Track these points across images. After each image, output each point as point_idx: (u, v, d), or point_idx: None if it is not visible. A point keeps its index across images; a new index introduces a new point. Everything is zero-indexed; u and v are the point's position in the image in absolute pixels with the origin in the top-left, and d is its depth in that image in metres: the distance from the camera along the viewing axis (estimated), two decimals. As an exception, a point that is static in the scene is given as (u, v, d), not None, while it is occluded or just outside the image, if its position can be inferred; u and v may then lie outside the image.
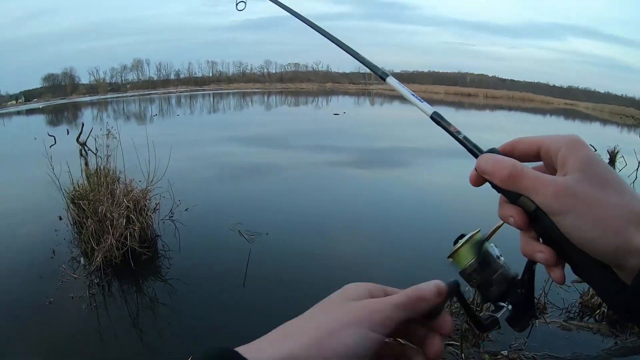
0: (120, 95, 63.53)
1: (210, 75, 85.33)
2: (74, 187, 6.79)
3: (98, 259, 5.27)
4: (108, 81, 75.63)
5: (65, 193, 6.76)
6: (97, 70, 73.21)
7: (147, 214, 5.92)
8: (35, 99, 65.04)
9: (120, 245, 5.45)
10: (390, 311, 0.41)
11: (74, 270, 5.53)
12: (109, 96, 59.39)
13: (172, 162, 6.58)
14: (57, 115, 39.42)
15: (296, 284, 4.79)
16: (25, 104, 61.18)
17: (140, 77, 79.23)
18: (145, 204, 5.97)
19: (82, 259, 5.75)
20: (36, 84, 68.84)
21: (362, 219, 6.91)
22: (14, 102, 64.01)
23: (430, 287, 0.46)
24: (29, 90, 68.95)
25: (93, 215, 5.78)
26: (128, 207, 5.70)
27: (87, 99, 59.53)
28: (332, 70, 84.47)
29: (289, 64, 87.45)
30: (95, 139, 6.80)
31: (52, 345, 4.19)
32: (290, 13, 1.07)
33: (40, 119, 37.88)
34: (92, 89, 71.47)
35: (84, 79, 72.36)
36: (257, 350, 0.37)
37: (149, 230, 5.97)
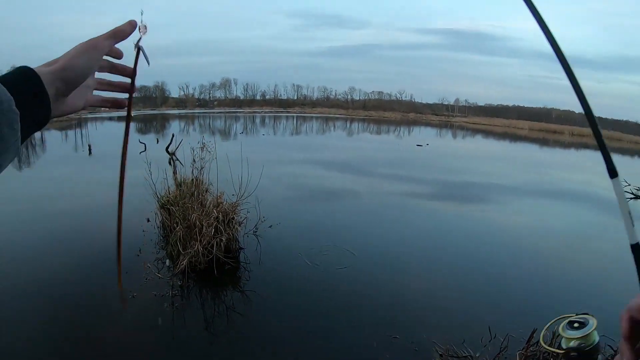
0: (207, 110, 67.75)
1: (295, 98, 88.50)
2: (166, 193, 7.52)
3: (184, 262, 5.84)
4: (197, 96, 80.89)
5: (158, 197, 7.50)
6: (187, 86, 79.03)
7: (234, 227, 6.45)
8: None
9: (206, 253, 5.98)
10: (103, 42, 0.66)
11: (158, 270, 6.16)
12: (196, 111, 63.56)
13: (256, 179, 7.10)
14: (147, 124, 42.72)
15: (361, 311, 4.98)
16: (117, 111, 67.57)
17: (227, 95, 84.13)
18: (233, 217, 6.50)
19: (167, 261, 6.38)
20: (128, 93, 75.91)
21: (434, 255, 7.00)
22: (107, 108, 71.04)
23: (125, 25, 0.69)
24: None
25: (182, 221, 6.37)
26: (217, 218, 6.25)
27: (176, 111, 64.13)
28: (415, 101, 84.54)
29: (373, 91, 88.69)
30: (192, 150, 7.42)
31: (129, 336, 4.71)
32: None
33: (131, 126, 41.22)
34: (180, 102, 76.89)
35: (174, 93, 78.38)
36: (38, 69, 0.61)
37: (234, 242, 6.53)
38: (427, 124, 52.71)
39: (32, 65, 0.60)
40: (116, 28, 0.68)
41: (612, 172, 0.65)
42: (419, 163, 17.77)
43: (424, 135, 34.27)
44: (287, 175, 13.02)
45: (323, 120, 52.97)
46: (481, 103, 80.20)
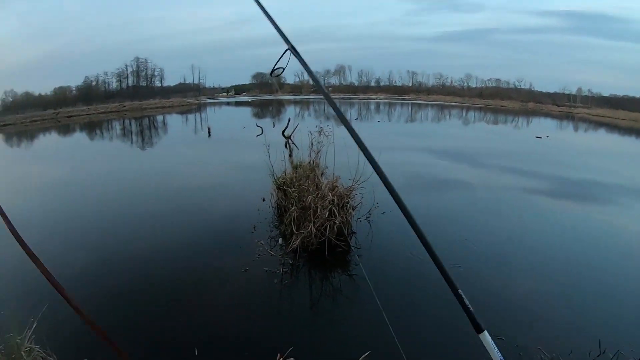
0: (321, 97, 68.73)
1: (410, 85, 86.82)
2: (283, 174, 7.88)
3: (296, 242, 6.11)
4: (311, 83, 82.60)
5: (274, 178, 7.89)
6: (301, 72, 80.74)
7: (348, 211, 6.61)
8: (244, 93, 75.46)
9: (319, 234, 6.19)
10: None
11: (271, 247, 6.50)
12: (311, 97, 64.82)
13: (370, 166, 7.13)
14: (263, 109, 44.76)
15: (461, 312, 4.82)
16: (234, 97, 72.12)
17: (342, 82, 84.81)
18: (347, 201, 6.66)
19: (280, 239, 6.73)
20: (246, 80, 79.77)
21: (545, 256, 6.45)
22: (225, 94, 75.67)
23: None
24: (239, 85, 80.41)
25: (297, 203, 6.65)
26: (332, 201, 6.42)
27: (291, 97, 66.09)
28: (535, 89, 78.34)
29: (490, 79, 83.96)
30: (310, 134, 7.66)
31: (237, 307, 5.06)
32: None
33: (247, 111, 43.67)
34: (295, 88, 78.86)
35: (290, 80, 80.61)
36: None
37: (347, 226, 6.67)
38: (547, 114, 48.83)
39: None
40: None
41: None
42: (537, 156, 16.63)
43: (544, 126, 31.89)
44: (401, 163, 12.92)
45: (438, 108, 51.58)
46: (605, 93, 72.13)
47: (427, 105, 56.56)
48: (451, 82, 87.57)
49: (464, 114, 43.52)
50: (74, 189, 12.21)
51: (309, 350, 4.05)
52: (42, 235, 7.55)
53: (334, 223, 6.27)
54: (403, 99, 68.47)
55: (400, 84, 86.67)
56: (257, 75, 79.21)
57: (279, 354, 3.72)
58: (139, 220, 8.50)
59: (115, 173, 14.52)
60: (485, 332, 1.69)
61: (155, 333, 4.68)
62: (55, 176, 14.90)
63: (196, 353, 4.13)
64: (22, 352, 3.24)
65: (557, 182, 11.61)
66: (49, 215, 9.36)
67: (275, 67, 2.58)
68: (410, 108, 49.54)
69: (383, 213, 7.43)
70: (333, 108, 2.40)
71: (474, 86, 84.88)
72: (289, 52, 2.54)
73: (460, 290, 1.73)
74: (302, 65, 2.49)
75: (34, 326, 3.60)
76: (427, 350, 4.10)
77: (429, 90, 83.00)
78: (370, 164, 2.14)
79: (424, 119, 35.33)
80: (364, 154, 2.13)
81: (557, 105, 67.96)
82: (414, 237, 5.86)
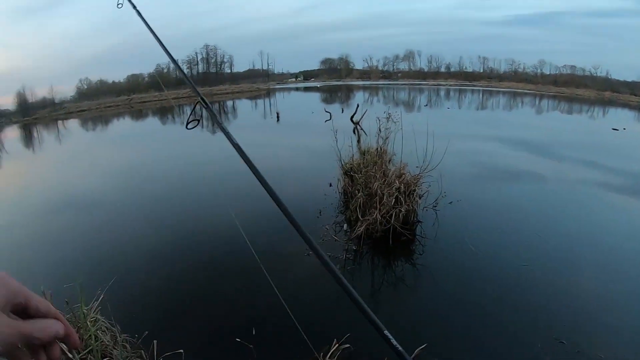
0: (391, 82, 68.28)
1: (481, 71, 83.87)
2: (350, 160, 7.83)
3: (361, 228, 6.06)
4: (380, 69, 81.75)
5: (341, 164, 7.86)
6: (370, 58, 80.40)
7: (414, 199, 6.47)
8: (313, 79, 75.96)
9: (384, 222, 6.11)
10: (14, 336, 0.55)
11: (335, 232, 6.49)
12: (380, 82, 64.38)
13: (440, 153, 6.94)
14: (332, 94, 44.82)
15: (528, 307, 4.54)
16: (303, 82, 72.85)
17: (411, 67, 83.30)
18: (414, 189, 6.52)
19: (345, 225, 6.71)
20: (315, 66, 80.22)
21: (619, 259, 5.88)
22: (294, 79, 76.56)
23: (50, 330, 0.59)
24: (307, 70, 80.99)
25: (364, 189, 6.59)
26: (398, 188, 6.32)
27: (360, 82, 65.84)
28: (612, 77, 72.83)
29: (564, 65, 79.13)
30: (378, 120, 7.54)
31: (298, 291, 5.10)
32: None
33: (316, 96, 43.87)
34: (365, 74, 78.50)
35: (358, 65, 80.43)
36: None
37: (412, 215, 6.55)
38: (625, 105, 45.08)
39: None
40: (35, 330, 0.58)
41: None
42: (613, 150, 15.42)
43: (621, 117, 29.50)
44: (471, 152, 12.48)
45: (510, 95, 49.38)
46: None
47: (498, 92, 54.33)
48: (524, 68, 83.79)
49: (537, 102, 41.44)
50: (147, 170, 12.84)
51: (365, 338, 3.98)
52: (114, 213, 8.06)
53: (400, 211, 6.17)
54: (474, 86, 66.20)
55: (470, 70, 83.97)
56: (326, 61, 79.36)
57: (335, 340, 3.71)
58: (207, 201, 8.80)
59: (187, 156, 15.07)
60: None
61: (218, 310, 4.84)
62: (129, 158, 15.69)
63: (254, 333, 4.22)
64: (88, 322, 3.41)
65: (633, 179, 10.78)
66: (122, 194, 9.91)
67: (190, 120, 2.50)
68: (481, 95, 47.79)
69: (450, 203, 7.25)
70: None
71: (548, 73, 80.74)
72: (199, 105, 2.52)
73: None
74: (212, 116, 2.44)
75: (100, 298, 3.80)
76: (483, 352, 3.93)
77: (500, 77, 79.81)
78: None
79: (495, 107, 33.92)
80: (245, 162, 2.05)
81: (636, 95, 63.05)
82: (481, 230, 5.64)
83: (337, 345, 3.67)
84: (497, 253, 5.81)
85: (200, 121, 2.44)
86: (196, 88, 2.62)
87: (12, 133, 36.11)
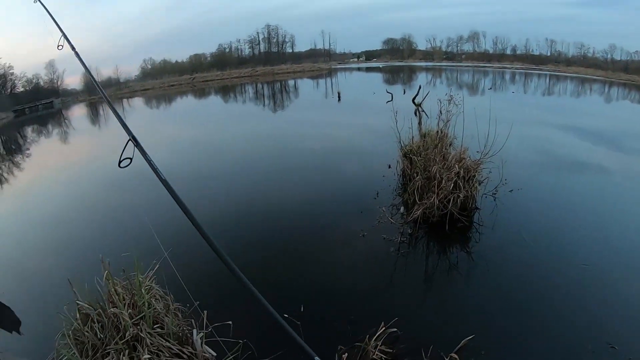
0: (454, 64, 66.38)
1: (548, 54, 79.70)
2: (410, 142, 7.77)
3: (418, 212, 6.02)
4: (444, 49, 79.39)
5: (401, 145, 7.80)
6: (433, 39, 77.91)
7: (473, 185, 6.32)
8: (375, 59, 75.10)
9: (441, 207, 6.04)
10: None
11: (391, 215, 6.50)
12: (443, 64, 62.86)
13: (503, 139, 6.68)
14: (394, 75, 44.15)
15: (583, 309, 4.26)
16: (365, 62, 72.24)
17: (475, 49, 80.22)
18: (474, 175, 6.37)
19: (401, 208, 6.69)
20: (377, 46, 79.02)
21: None
22: (355, 59, 76.00)
23: None
24: (370, 50, 79.99)
25: (422, 172, 6.54)
26: (458, 173, 6.20)
27: (423, 64, 64.53)
28: None
29: (636, 51, 73.36)
30: (439, 102, 7.38)
31: (351, 271, 5.17)
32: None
33: (378, 77, 43.40)
34: (427, 55, 76.68)
35: (421, 46, 78.25)
36: None
37: (471, 201, 6.36)
38: None
39: None
40: None
41: None
42: None
43: None
44: (535, 139, 11.88)
45: (578, 81, 46.64)
46: None
47: (565, 77, 51.52)
48: (593, 52, 78.90)
49: (607, 89, 39.03)
50: (211, 147, 13.24)
51: (413, 323, 3.98)
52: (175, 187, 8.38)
53: (458, 196, 6.04)
54: (540, 70, 63.12)
55: (537, 53, 79.87)
56: (388, 41, 77.82)
57: (382, 322, 3.74)
58: (268, 178, 9.04)
59: (249, 133, 15.43)
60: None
61: (268, 287, 4.98)
62: (193, 135, 16.21)
63: (302, 310, 4.29)
64: (142, 289, 3.62)
65: None
66: (187, 167, 10.30)
67: (122, 158, 2.55)
68: (547, 80, 45.53)
69: (510, 191, 6.99)
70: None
71: (619, 59, 75.68)
72: (130, 143, 2.60)
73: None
74: (148, 163, 2.58)
75: (155, 267, 3.99)
76: (530, 350, 3.77)
77: (568, 61, 75.54)
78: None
79: (562, 93, 32.10)
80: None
81: None
82: (541, 223, 5.36)
83: (384, 328, 3.69)
84: (556, 249, 5.49)
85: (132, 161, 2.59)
86: (124, 122, 2.78)
87: (79, 111, 38.10)
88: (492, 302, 4.42)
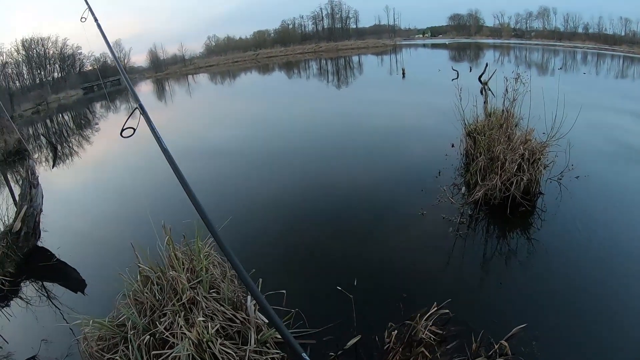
0: (523, 42, 63.34)
1: (623, 34, 74.52)
2: (474, 121, 7.50)
3: (479, 193, 5.88)
4: (512, 26, 75.72)
5: (465, 124, 7.53)
6: (501, 15, 74.21)
7: (538, 168, 6.04)
8: (441, 35, 72.92)
9: (503, 189, 5.83)
10: None
11: (452, 195, 6.38)
12: (511, 41, 60.19)
13: (571, 122, 6.25)
14: (460, 52, 42.67)
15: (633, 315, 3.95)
16: (430, 39, 70.30)
17: (545, 27, 75.91)
18: (539, 158, 6.08)
19: (463, 188, 6.57)
20: (442, 22, 76.45)
21: None
22: (421, 35, 74.05)
23: None
24: (435, 27, 77.68)
25: (486, 152, 6.32)
26: (522, 155, 5.96)
27: (490, 41, 62.02)
28: None
29: None
30: (505, 80, 7.02)
31: (407, 250, 5.16)
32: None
33: (444, 54, 42.08)
34: (495, 31, 73.51)
35: (489, 22, 74.91)
36: None
37: (534, 185, 6.09)
38: None
39: None
40: None
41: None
42: None
43: None
44: (605, 125, 10.99)
45: (655, 65, 43.26)
46: None
47: (640, 59, 47.87)
48: (672, 32, 72.97)
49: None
50: (279, 124, 13.41)
51: (466, 306, 3.91)
52: (241, 160, 8.62)
53: (521, 179, 5.83)
54: (614, 50, 59.01)
55: (611, 33, 74.57)
56: (454, 17, 75.08)
57: (435, 303, 3.69)
58: (332, 156, 9.09)
59: (313, 110, 15.49)
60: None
61: (324, 260, 5.03)
62: (255, 112, 16.48)
63: (355, 283, 4.35)
64: (201, 255, 3.78)
65: None
66: (245, 144, 10.54)
67: (125, 127, 2.41)
68: (621, 62, 42.46)
69: (577, 177, 6.56)
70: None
71: (700, 38, 69.61)
72: (137, 111, 2.46)
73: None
74: (151, 131, 2.43)
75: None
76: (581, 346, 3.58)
77: (643, 42, 70.38)
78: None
79: (637, 76, 29.98)
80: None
81: None
82: (608, 214, 4.97)
83: (435, 308, 3.65)
84: (621, 244, 5.08)
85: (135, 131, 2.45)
86: (134, 91, 2.69)
87: (145, 87, 39.41)
88: (547, 294, 4.23)
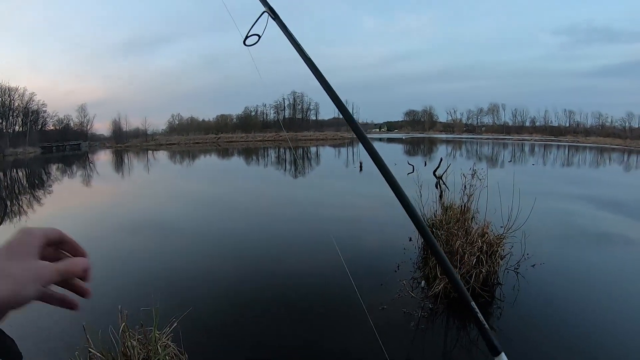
0: (474, 136, 67.19)
1: (567, 125, 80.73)
2: (432, 215, 7.71)
3: (439, 287, 5.86)
4: (464, 122, 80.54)
5: (424, 219, 7.72)
6: (454, 111, 79.34)
7: (496, 260, 6.18)
8: (396, 130, 76.62)
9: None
10: (54, 275, 0.60)
11: (412, 289, 6.32)
12: (463, 136, 63.66)
13: (524, 212, 6.62)
14: (415, 147, 44.59)
15: None
16: (387, 133, 73.81)
17: (495, 121, 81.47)
18: (497, 250, 6.24)
19: (423, 282, 6.53)
20: (399, 117, 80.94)
21: None
22: (377, 129, 77.79)
23: (83, 264, 0.67)
24: (391, 121, 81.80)
25: (445, 246, 6.42)
26: (481, 248, 6.08)
27: (443, 136, 65.44)
28: None
29: None
30: (463, 176, 7.38)
31: (368, 345, 4.92)
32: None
33: (398, 148, 43.84)
34: (448, 127, 78.00)
35: (442, 117, 79.94)
36: None
37: (493, 276, 6.21)
38: None
39: None
40: (70, 267, 0.65)
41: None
42: None
43: None
44: (556, 211, 11.74)
45: (597, 151, 46.61)
46: None
47: (584, 147, 51.58)
48: (611, 121, 79.56)
49: (626, 158, 38.72)
50: (229, 205, 13.40)
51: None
52: (199, 243, 8.48)
53: (480, 272, 5.91)
54: (559, 141, 63.41)
55: (556, 124, 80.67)
56: (409, 113, 79.51)
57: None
58: (285, 244, 8.99)
59: (269, 197, 15.57)
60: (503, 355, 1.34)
61: (294, 351, 4.84)
62: (212, 191, 16.49)
63: None
64: (158, 346, 3.56)
65: None
66: (201, 222, 10.38)
67: (250, 34, 1.96)
68: (566, 151, 45.54)
69: (533, 266, 6.78)
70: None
71: (637, 126, 75.98)
72: (266, 15, 1.92)
73: (473, 303, 1.37)
74: (284, 32, 1.88)
75: (173, 325, 3.94)
76: None
77: (587, 131, 76.15)
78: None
79: (582, 163, 31.97)
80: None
81: None
82: (565, 301, 5.11)
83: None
84: (578, 326, 5.23)
85: (260, 38, 1.99)
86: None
87: (105, 157, 39.19)
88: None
